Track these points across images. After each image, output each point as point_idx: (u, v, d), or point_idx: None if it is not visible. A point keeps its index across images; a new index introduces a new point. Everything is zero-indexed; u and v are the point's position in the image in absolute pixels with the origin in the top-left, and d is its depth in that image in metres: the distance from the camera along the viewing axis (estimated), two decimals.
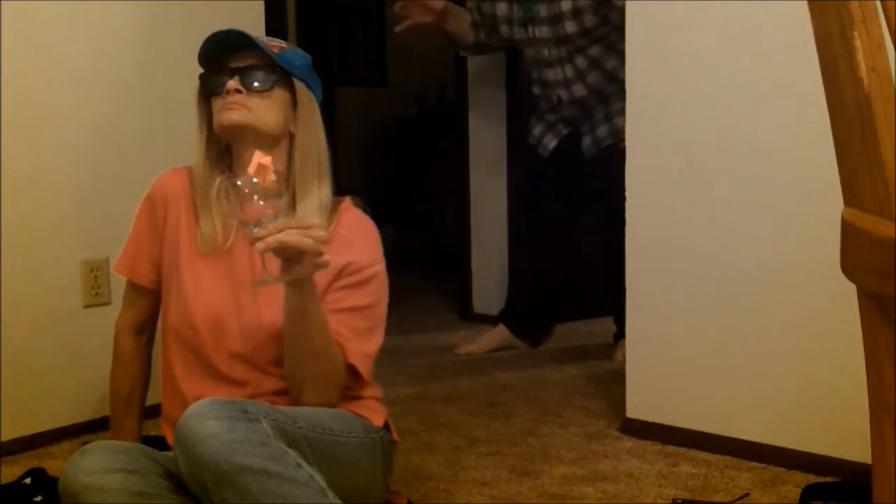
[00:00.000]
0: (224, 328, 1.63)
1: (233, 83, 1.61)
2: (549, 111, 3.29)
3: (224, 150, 1.70)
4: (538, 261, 3.42)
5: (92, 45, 2.44)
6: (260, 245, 1.36)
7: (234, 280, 1.65)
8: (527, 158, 3.45)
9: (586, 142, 3.22)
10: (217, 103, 1.63)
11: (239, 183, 1.40)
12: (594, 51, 3.08)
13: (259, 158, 1.41)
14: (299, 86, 1.67)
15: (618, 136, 3.11)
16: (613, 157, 3.11)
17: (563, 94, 3.17)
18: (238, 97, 1.61)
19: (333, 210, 1.69)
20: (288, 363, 1.58)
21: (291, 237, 1.37)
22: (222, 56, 1.64)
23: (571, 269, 3.57)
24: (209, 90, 1.66)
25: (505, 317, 3.47)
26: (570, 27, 3.04)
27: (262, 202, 1.39)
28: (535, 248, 3.44)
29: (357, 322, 1.63)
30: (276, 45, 1.68)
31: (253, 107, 1.61)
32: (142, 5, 2.52)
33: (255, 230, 1.38)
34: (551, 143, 3.30)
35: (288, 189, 1.64)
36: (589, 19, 3.01)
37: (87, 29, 2.42)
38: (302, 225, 1.40)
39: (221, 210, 1.45)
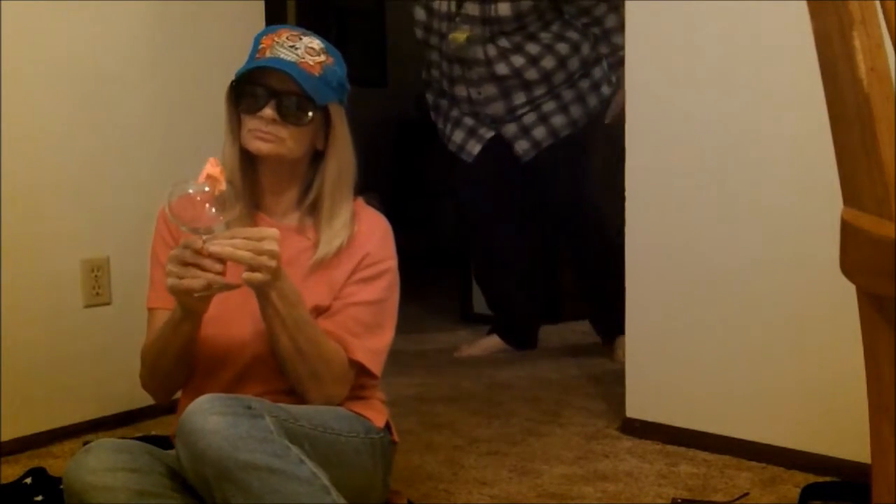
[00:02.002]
0: (239, 330, 1.63)
1: (269, 112, 1.57)
2: (467, 115, 3.22)
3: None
4: (498, 273, 3.43)
5: (92, 45, 2.44)
6: (202, 248, 1.38)
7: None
8: (454, 169, 3.35)
9: (523, 145, 3.16)
10: (250, 123, 1.60)
11: (191, 191, 1.40)
12: (517, 36, 3.02)
13: (211, 167, 1.40)
14: (334, 107, 1.63)
15: (557, 136, 3.14)
16: (558, 156, 3.13)
17: (484, 71, 3.07)
18: (272, 128, 1.58)
19: (352, 215, 1.69)
20: (280, 363, 1.59)
21: (243, 254, 1.40)
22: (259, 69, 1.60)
23: (537, 270, 3.55)
24: (244, 107, 1.61)
25: (494, 329, 3.48)
26: (503, 9, 2.96)
27: (213, 210, 1.40)
28: (491, 262, 3.43)
29: (368, 317, 1.64)
30: (315, 59, 1.61)
31: (285, 137, 1.59)
32: (142, 5, 2.52)
33: (205, 238, 1.39)
34: (475, 147, 3.22)
35: (315, 206, 1.65)
36: (525, 4, 2.96)
37: (88, 29, 2.43)
38: (254, 237, 1.41)
39: (170, 217, 1.44)
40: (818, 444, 2.07)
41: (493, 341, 3.43)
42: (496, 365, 3.22)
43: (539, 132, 3.13)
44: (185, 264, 1.40)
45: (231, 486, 1.32)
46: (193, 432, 1.33)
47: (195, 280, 1.40)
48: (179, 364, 1.63)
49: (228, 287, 1.44)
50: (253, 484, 1.31)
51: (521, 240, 3.39)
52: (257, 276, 1.42)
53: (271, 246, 1.42)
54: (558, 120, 3.14)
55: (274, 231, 1.44)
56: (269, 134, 1.58)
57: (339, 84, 1.64)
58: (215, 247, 1.39)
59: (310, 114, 1.60)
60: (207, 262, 1.40)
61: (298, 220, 1.69)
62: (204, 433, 1.32)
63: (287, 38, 1.63)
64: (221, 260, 1.41)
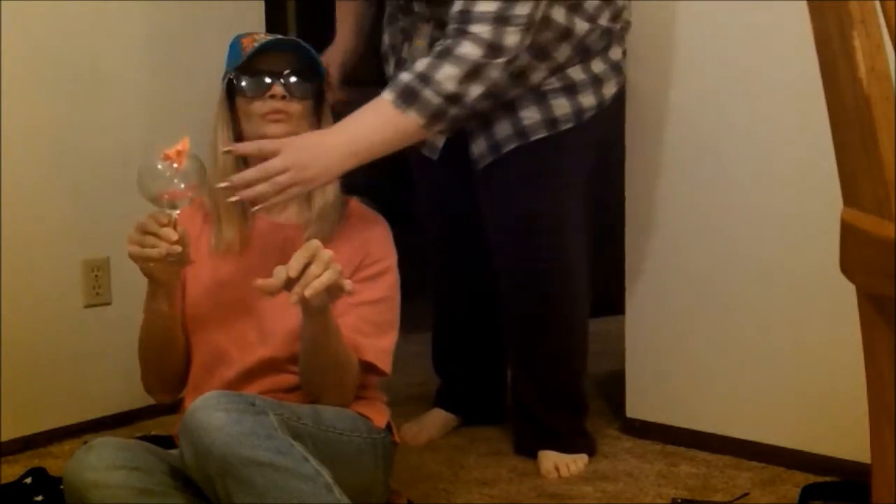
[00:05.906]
0: (242, 331, 1.63)
1: (278, 89, 1.62)
2: None
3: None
4: (464, 319, 2.63)
5: (91, 44, 2.44)
6: (294, 298, 1.38)
7: (251, 284, 1.65)
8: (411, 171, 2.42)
9: (480, 146, 2.09)
10: (261, 108, 1.63)
11: (159, 167, 1.44)
12: None
13: (179, 144, 1.45)
14: (323, 85, 1.72)
15: (526, 138, 2.04)
16: (509, 173, 2.07)
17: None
18: (281, 104, 1.62)
19: (343, 206, 1.71)
20: (307, 375, 1.58)
21: (329, 277, 1.38)
22: (256, 56, 1.64)
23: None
24: (249, 92, 1.64)
25: (439, 398, 2.57)
26: None
27: (181, 185, 1.44)
28: (456, 300, 2.62)
29: (375, 316, 1.64)
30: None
31: (294, 113, 1.64)
32: (142, 5, 2.52)
33: (173, 213, 1.44)
34: (439, 139, 2.20)
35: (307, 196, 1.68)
36: None
37: (88, 29, 2.42)
38: (324, 258, 1.39)
39: (140, 190, 1.47)
40: (818, 444, 2.07)
41: (437, 416, 2.49)
42: None
43: (504, 128, 2.04)
44: (145, 233, 1.44)
45: (234, 483, 1.32)
46: (198, 428, 1.33)
47: (154, 249, 1.43)
48: (167, 352, 1.64)
49: (185, 259, 1.48)
50: (256, 480, 1.31)
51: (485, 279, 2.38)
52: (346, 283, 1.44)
53: (329, 256, 1.40)
54: (529, 115, 2.03)
55: (316, 243, 1.41)
56: (281, 113, 1.61)
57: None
58: (309, 290, 1.37)
59: (314, 85, 1.66)
60: (164, 232, 1.43)
61: (297, 214, 1.70)
62: (208, 429, 1.32)
63: (265, 34, 1.72)
64: (180, 240, 1.44)
